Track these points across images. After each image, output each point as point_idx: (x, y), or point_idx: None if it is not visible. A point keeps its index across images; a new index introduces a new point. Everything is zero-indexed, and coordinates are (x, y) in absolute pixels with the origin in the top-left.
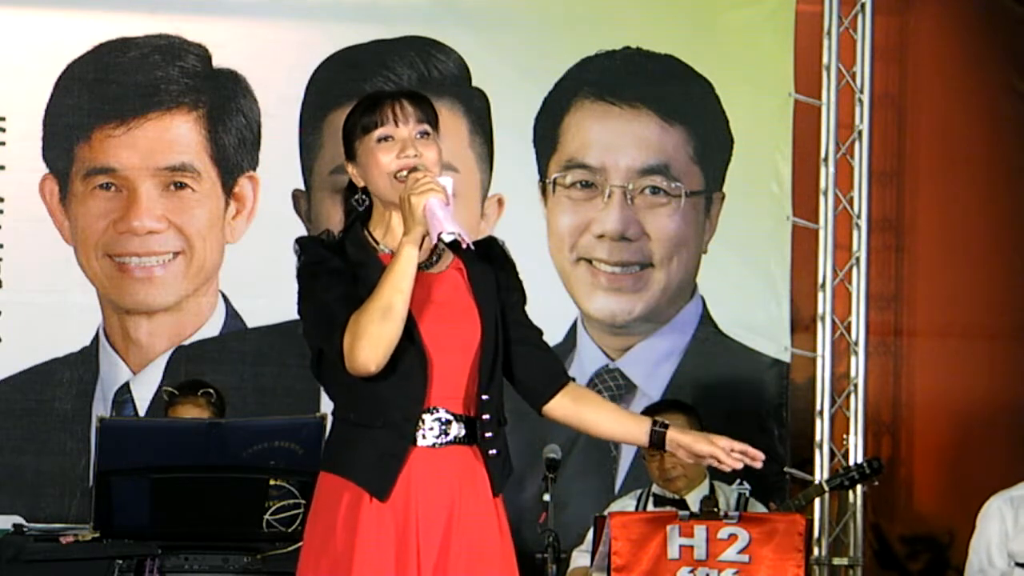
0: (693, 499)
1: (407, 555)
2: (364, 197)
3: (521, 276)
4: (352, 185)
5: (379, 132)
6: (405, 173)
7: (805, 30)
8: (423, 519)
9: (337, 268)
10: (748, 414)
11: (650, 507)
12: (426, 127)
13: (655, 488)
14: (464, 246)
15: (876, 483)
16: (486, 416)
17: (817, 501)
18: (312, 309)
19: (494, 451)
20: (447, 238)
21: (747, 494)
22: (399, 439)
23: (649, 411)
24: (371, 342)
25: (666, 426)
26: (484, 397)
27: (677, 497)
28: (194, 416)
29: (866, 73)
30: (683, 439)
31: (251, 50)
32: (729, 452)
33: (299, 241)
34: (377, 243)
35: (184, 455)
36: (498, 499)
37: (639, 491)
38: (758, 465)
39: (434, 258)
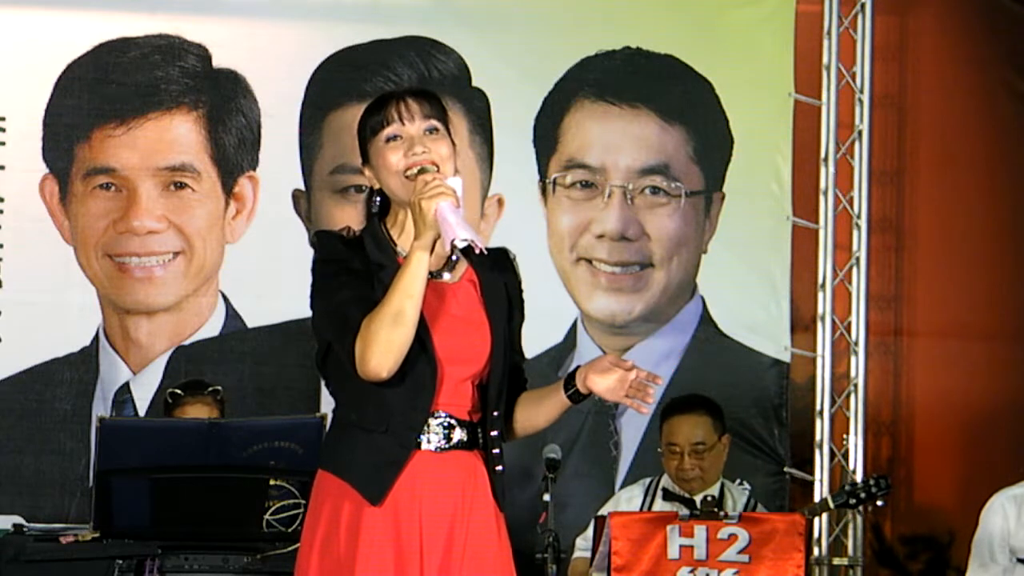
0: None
1: (410, 558)
2: (378, 199)
3: (521, 276)
4: (372, 189)
5: (386, 132)
6: (414, 172)
7: (805, 30)
8: (427, 522)
9: (354, 267)
10: (748, 414)
11: (658, 500)
12: (434, 123)
13: (666, 482)
14: (477, 251)
15: (882, 504)
16: (494, 432)
17: (816, 498)
18: (325, 307)
19: (500, 467)
20: (460, 244)
21: (749, 494)
22: (400, 447)
23: (671, 406)
24: (382, 348)
25: (573, 374)
26: (495, 413)
27: (687, 496)
28: (201, 416)
29: (866, 73)
30: (588, 372)
31: (251, 50)
32: (627, 373)
33: (318, 234)
34: (395, 244)
35: (184, 455)
36: (500, 512)
37: (648, 480)
38: (659, 382)
39: (447, 267)
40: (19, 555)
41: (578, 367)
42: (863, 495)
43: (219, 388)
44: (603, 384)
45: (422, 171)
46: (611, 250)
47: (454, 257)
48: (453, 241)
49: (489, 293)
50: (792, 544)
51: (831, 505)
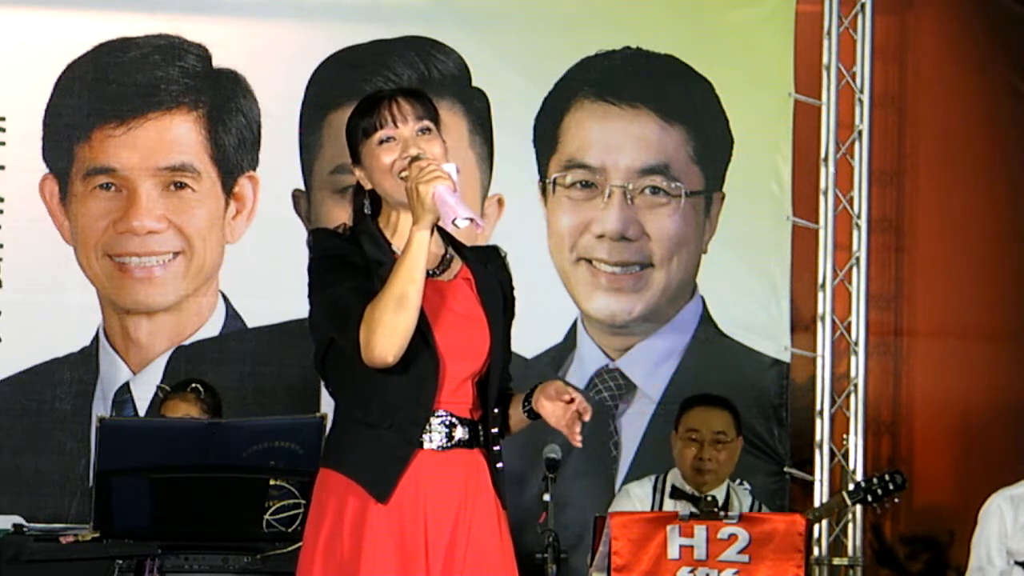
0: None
1: (414, 557)
2: (369, 201)
3: (521, 276)
4: (360, 188)
5: (380, 134)
6: (407, 162)
7: (805, 30)
8: (431, 521)
9: (352, 261)
10: (748, 414)
11: (666, 498)
12: (426, 123)
13: (675, 479)
14: (479, 229)
15: (898, 500)
16: (494, 429)
17: (816, 498)
18: (324, 300)
19: (501, 464)
20: (461, 223)
21: (752, 496)
22: (404, 443)
23: (693, 399)
24: (387, 333)
25: (531, 394)
26: (496, 410)
27: (696, 494)
28: (185, 413)
29: (866, 73)
30: (539, 394)
31: (251, 50)
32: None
33: (313, 232)
34: (390, 244)
35: (184, 455)
36: (502, 509)
37: (655, 476)
38: (586, 418)
39: (443, 266)
40: (19, 555)
41: (537, 385)
42: (880, 492)
43: (199, 388)
44: (548, 408)
45: (415, 158)
46: (611, 250)
47: (448, 256)
48: (455, 220)
49: (485, 290)
50: (792, 544)
51: (848, 502)
